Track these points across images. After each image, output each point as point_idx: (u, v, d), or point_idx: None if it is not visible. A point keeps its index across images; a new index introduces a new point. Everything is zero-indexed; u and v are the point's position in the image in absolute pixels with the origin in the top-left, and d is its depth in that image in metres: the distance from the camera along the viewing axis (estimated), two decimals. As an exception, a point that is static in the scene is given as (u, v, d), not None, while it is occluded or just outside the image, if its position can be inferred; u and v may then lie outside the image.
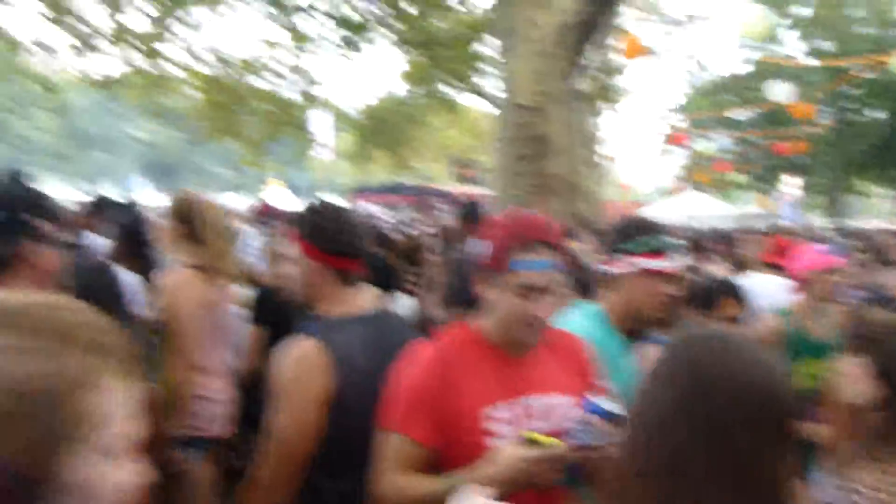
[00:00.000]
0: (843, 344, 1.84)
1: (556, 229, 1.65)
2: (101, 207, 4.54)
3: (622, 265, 1.99)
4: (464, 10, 12.78)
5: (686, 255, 3.28)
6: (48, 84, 10.39)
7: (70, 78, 12.07)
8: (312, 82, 13.64)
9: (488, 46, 12.69)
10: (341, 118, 19.53)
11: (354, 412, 1.75)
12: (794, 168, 23.32)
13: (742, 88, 25.39)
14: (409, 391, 1.60)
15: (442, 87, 15.67)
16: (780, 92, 13.82)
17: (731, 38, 44.58)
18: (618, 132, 55.51)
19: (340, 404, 1.76)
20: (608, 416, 1.46)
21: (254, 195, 23.90)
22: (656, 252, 1.96)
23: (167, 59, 11.46)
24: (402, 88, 18.75)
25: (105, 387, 0.77)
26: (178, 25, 10.63)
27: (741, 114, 22.39)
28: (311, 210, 1.99)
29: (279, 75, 13.23)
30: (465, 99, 17.90)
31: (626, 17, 14.39)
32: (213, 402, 2.73)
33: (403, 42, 12.32)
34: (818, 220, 23.21)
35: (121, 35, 10.37)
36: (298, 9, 10.74)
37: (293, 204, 14.22)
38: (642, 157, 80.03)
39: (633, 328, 2.05)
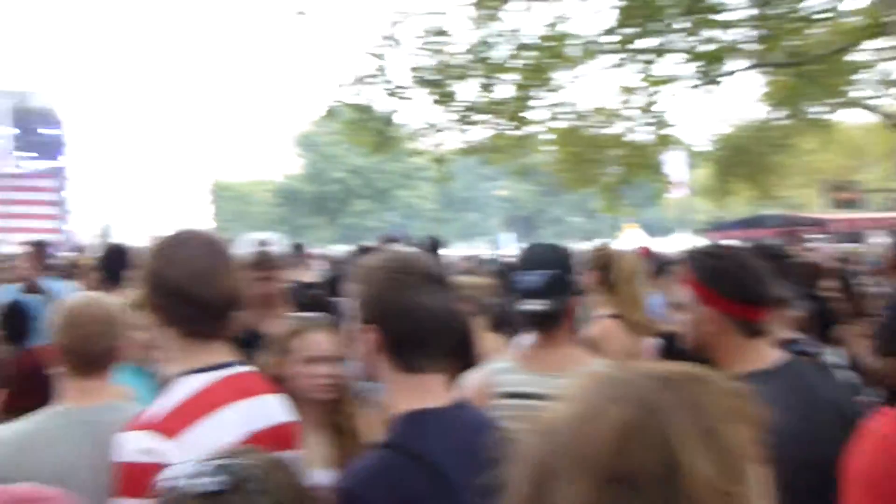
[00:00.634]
0: None
1: None
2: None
3: None
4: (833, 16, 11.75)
5: None
6: (439, 158, 12.39)
7: (446, 149, 14.00)
8: (665, 123, 13.82)
9: (868, 51, 11.41)
10: (696, 153, 19.19)
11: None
12: None
13: None
14: (860, 475, 1.35)
15: (810, 107, 14.46)
16: None
17: None
18: None
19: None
20: None
21: (609, 241, 24.59)
22: None
23: (530, 122, 12.76)
24: (760, 112, 17.77)
25: None
26: (540, 90, 11.85)
27: None
28: (709, 253, 1.87)
29: (631, 119, 13.68)
30: (838, 115, 16.17)
31: None
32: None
33: (764, 64, 11.81)
34: None
35: (491, 107, 11.94)
36: (651, 51, 11.13)
37: (652, 246, 14.39)
38: None
39: None
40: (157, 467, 1.39)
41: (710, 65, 10.36)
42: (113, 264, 4.21)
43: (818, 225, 17.59)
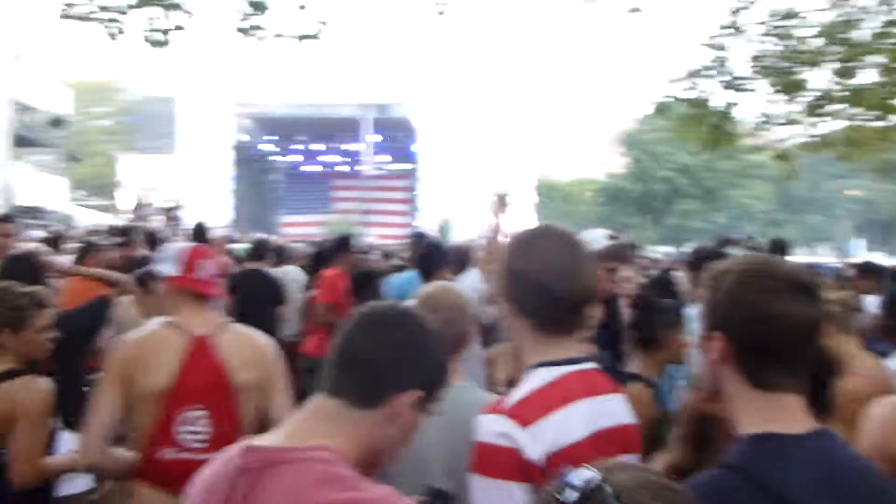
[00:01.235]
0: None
1: None
2: (871, 271, 4.66)
3: None
4: None
5: None
6: (783, 154, 11.19)
7: (791, 144, 12.59)
8: None
9: None
10: None
11: None
12: None
13: None
14: None
15: None
16: None
17: None
18: None
19: None
20: None
21: None
22: None
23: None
24: None
25: None
26: None
27: None
28: None
29: None
30: None
31: None
32: None
33: None
34: None
35: (849, 96, 10.39)
36: None
37: None
38: None
39: None
40: (511, 451, 1.46)
41: None
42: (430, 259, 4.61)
43: None
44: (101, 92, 49.93)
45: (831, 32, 9.55)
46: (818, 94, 10.59)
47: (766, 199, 41.39)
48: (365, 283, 5.45)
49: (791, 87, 10.11)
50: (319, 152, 35.68)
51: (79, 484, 3.05)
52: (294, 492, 1.14)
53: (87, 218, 25.69)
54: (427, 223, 30.72)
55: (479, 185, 32.63)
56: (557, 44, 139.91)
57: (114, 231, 8.09)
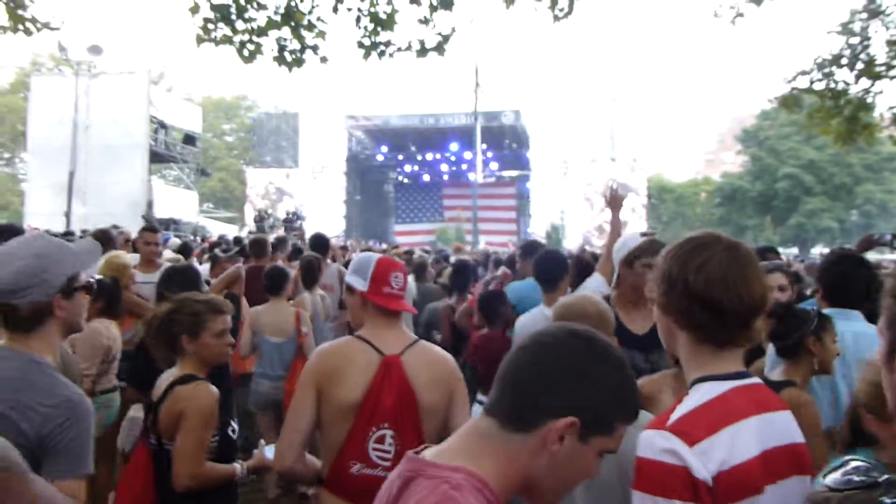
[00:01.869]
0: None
1: None
2: None
3: None
4: None
5: None
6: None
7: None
8: None
9: None
10: None
11: None
12: None
13: None
14: None
15: None
16: None
17: None
18: None
19: None
20: None
21: None
22: None
23: None
24: None
25: None
26: None
27: None
28: None
29: None
30: None
31: None
32: None
33: None
34: None
35: None
36: None
37: None
38: None
39: None
40: (680, 470, 1.39)
41: None
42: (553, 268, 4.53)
43: None
44: (229, 109, 53.26)
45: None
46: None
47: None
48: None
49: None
50: (430, 161, 36.30)
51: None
52: None
53: (215, 229, 27.38)
54: (537, 229, 30.53)
55: (589, 189, 32.02)
56: (670, 40, 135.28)
57: (237, 242, 8.51)
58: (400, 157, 36.46)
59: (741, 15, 7.83)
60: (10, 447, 1.42)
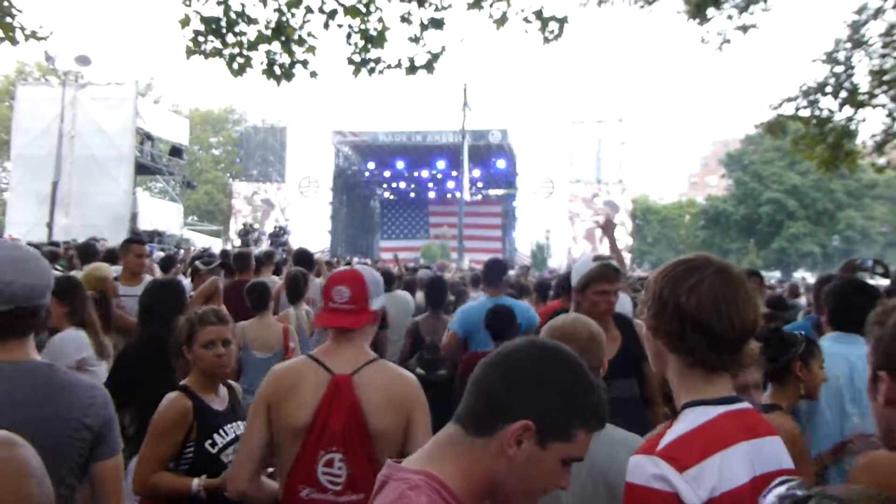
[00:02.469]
0: None
1: None
2: None
3: None
4: None
5: None
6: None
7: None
8: None
9: None
10: None
11: None
12: None
13: None
14: None
15: None
16: None
17: None
18: None
19: None
20: None
21: None
22: None
23: None
24: None
25: None
26: None
27: None
28: None
29: None
30: None
31: None
32: None
33: None
34: None
35: None
36: None
37: None
38: None
39: None
40: (669, 496, 1.38)
41: None
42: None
43: None
44: (216, 122, 53.16)
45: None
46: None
47: (883, 220, 38.71)
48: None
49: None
50: (417, 178, 36.39)
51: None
52: None
53: (199, 242, 27.18)
54: (522, 248, 30.63)
55: (574, 209, 32.23)
56: (658, 64, 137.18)
57: (224, 255, 8.44)
58: (387, 173, 36.52)
59: (728, 41, 7.94)
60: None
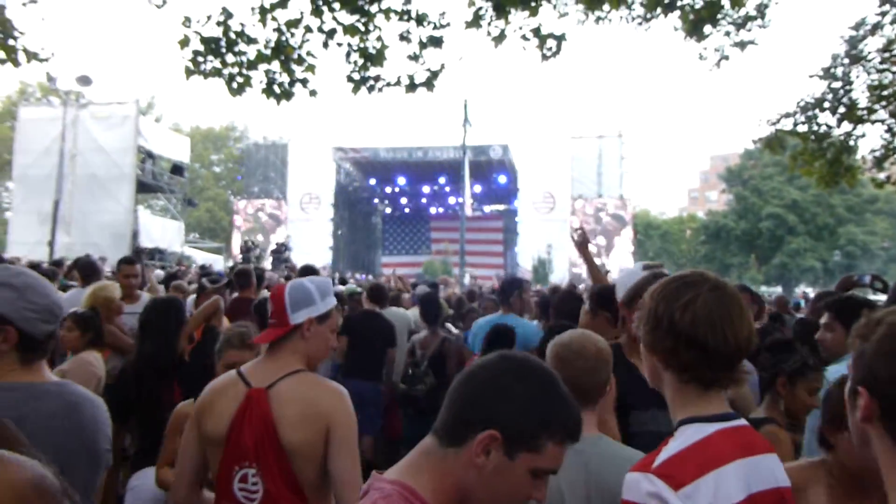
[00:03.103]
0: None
1: None
2: None
3: None
4: None
5: None
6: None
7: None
8: None
9: None
10: None
11: None
12: None
13: None
14: None
15: None
16: None
17: None
18: None
19: None
20: None
21: None
22: None
23: None
24: None
25: None
26: None
27: None
28: None
29: None
30: None
31: None
32: None
33: None
34: None
35: None
36: None
37: None
38: None
39: None
40: (664, 513, 1.38)
41: None
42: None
43: None
44: (217, 139, 53.43)
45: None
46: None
47: (884, 235, 38.70)
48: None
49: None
50: (418, 194, 36.48)
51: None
52: None
53: (201, 259, 27.19)
54: (524, 263, 30.60)
55: (576, 223, 32.28)
56: (656, 79, 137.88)
57: (229, 273, 8.44)
58: (388, 189, 36.62)
59: (726, 58, 7.99)
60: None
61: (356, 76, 6.50)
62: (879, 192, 27.05)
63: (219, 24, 6.19)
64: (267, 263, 23.00)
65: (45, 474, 0.94)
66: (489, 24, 6.52)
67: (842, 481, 1.97)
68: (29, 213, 24.04)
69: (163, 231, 26.77)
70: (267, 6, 6.18)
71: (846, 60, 9.64)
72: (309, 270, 7.15)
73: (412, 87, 6.37)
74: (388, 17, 6.36)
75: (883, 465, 1.17)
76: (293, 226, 34.42)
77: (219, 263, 24.97)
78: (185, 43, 6.17)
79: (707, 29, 7.26)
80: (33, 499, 0.92)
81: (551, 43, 6.58)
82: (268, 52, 6.27)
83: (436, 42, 6.38)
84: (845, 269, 33.60)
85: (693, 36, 7.29)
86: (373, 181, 36.05)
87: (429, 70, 6.43)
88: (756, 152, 38.05)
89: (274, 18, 6.23)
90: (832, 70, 9.74)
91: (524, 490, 1.28)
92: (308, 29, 6.29)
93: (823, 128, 9.73)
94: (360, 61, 6.34)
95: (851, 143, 9.66)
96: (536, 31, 6.56)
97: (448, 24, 6.44)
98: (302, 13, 6.28)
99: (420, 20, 6.36)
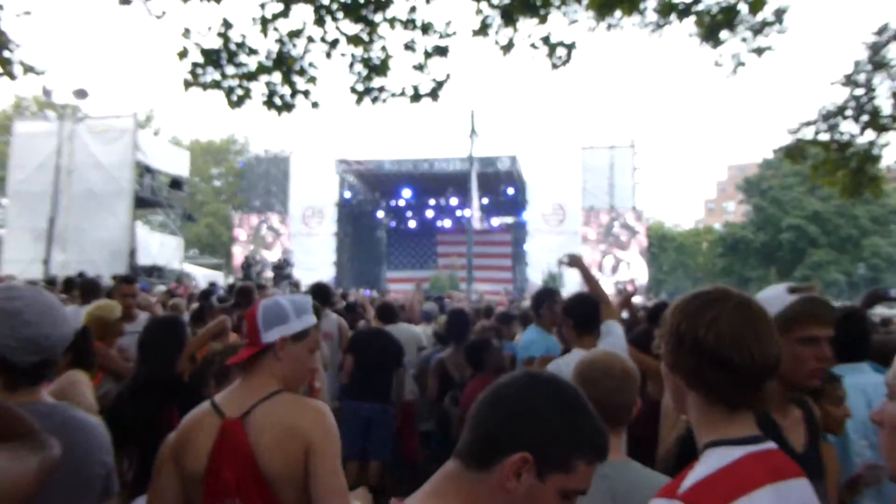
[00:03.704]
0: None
1: None
2: None
3: None
4: None
5: None
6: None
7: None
8: None
9: None
10: None
11: None
12: None
13: None
14: None
15: None
16: None
17: None
18: None
19: None
20: None
21: None
22: None
23: None
24: None
25: None
26: None
27: None
28: None
29: None
30: None
31: None
32: None
33: None
34: None
35: None
36: None
37: None
38: None
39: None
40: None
41: None
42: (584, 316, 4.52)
43: None
44: (217, 152, 53.78)
45: None
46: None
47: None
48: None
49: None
50: (424, 207, 36.53)
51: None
52: None
53: (201, 276, 27.27)
54: (533, 277, 30.53)
55: (587, 236, 32.23)
56: (667, 87, 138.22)
57: (229, 290, 8.45)
58: (393, 202, 36.69)
59: (742, 64, 7.98)
60: None
61: (360, 87, 6.53)
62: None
63: (219, 35, 6.24)
64: (266, 280, 23.03)
65: None
66: (497, 32, 6.55)
67: None
68: (23, 229, 24.20)
69: (161, 247, 26.90)
70: (268, 17, 6.22)
71: (869, 67, 9.63)
72: (320, 288, 7.06)
73: (417, 97, 6.40)
74: (392, 27, 6.40)
75: None
76: (295, 240, 34.49)
77: (219, 280, 25.01)
78: (184, 54, 6.22)
79: (723, 35, 7.27)
80: None
81: (561, 51, 6.60)
82: (269, 63, 6.31)
83: (441, 51, 6.41)
84: (870, 282, 33.40)
85: (709, 42, 7.29)
86: (377, 194, 36.14)
87: (434, 80, 6.46)
88: (776, 162, 38.02)
89: (275, 29, 6.28)
90: (854, 77, 9.72)
91: None
92: (310, 39, 6.34)
93: (846, 136, 9.70)
94: (364, 72, 6.37)
95: (875, 151, 9.62)
96: (546, 40, 6.58)
97: (454, 34, 6.47)
98: (304, 23, 6.32)
99: (425, 29, 6.39)
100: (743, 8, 7.02)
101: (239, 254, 33.65)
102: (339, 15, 6.28)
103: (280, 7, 6.20)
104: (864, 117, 9.54)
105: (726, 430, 1.51)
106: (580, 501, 1.33)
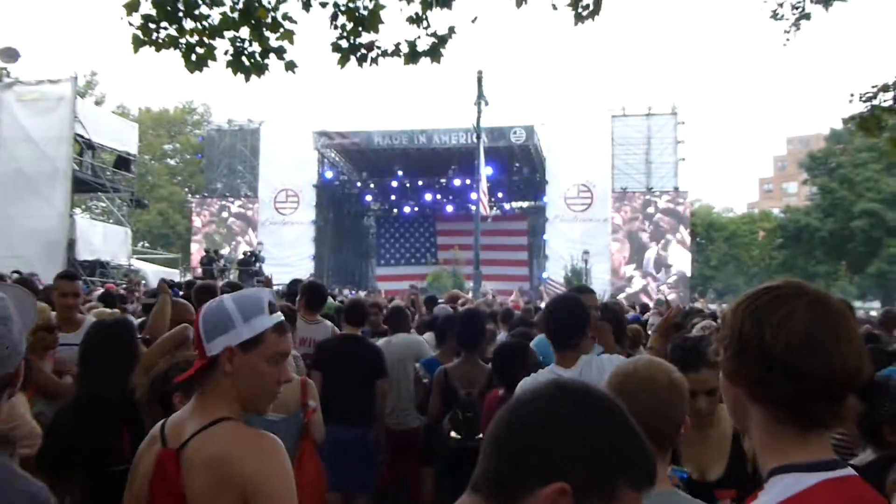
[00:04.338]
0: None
1: None
2: None
3: None
4: None
5: None
6: None
7: None
8: None
9: None
10: None
11: None
12: None
13: None
14: None
15: None
16: None
17: None
18: None
19: None
20: None
21: None
22: None
23: None
24: None
25: None
26: None
27: None
28: None
29: None
30: None
31: None
32: None
33: None
34: None
35: None
36: None
37: None
38: None
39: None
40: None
41: None
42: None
43: None
44: (172, 125, 53.76)
45: None
46: None
47: None
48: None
49: None
50: (421, 189, 36.49)
51: None
52: None
53: (153, 273, 27.29)
54: (554, 274, 30.49)
55: (619, 224, 32.21)
56: (716, 45, 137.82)
57: (187, 288, 8.41)
58: (383, 183, 36.65)
59: (806, 16, 7.96)
60: None
61: (344, 44, 6.51)
62: None
63: (176, -19, 6.22)
64: (232, 277, 23.08)
65: None
66: (510, -23, 6.53)
67: None
68: (-61, 218, 24.20)
69: (105, 239, 26.88)
70: (234, -42, 6.21)
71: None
72: (313, 290, 6.99)
73: (413, 56, 6.38)
74: (384, -31, 6.38)
75: None
76: (266, 230, 34.52)
77: (175, 278, 25.06)
78: (133, 7, 6.19)
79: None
80: None
81: (587, 1, 6.57)
82: (235, 15, 6.29)
83: (444, 1, 6.39)
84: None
85: (766, -13, 7.26)
86: (364, 174, 36.12)
87: (434, 35, 6.43)
88: (846, 134, 37.91)
89: (243, -26, 6.26)
90: None
91: None
92: (285, -15, 6.32)
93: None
94: (349, 25, 6.35)
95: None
96: (569, -15, 6.56)
97: (459, -22, 6.45)
98: (278, -33, 6.31)
99: (424, -28, 6.37)
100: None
101: (198, 247, 33.69)
102: (320, -45, 6.26)
103: (248, -54, 6.18)
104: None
105: (797, 453, 1.51)
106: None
